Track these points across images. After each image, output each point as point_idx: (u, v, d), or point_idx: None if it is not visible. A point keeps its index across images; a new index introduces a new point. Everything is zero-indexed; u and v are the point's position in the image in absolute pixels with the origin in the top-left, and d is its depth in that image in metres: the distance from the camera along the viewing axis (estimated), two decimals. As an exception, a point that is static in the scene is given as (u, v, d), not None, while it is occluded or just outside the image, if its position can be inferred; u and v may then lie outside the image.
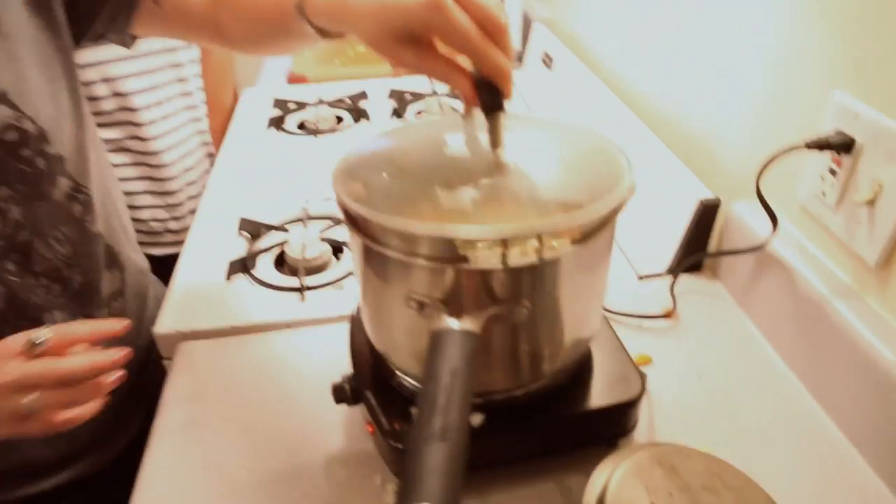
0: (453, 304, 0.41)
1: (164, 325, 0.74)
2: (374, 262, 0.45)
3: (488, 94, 0.46)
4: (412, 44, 0.48)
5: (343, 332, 0.63)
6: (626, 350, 0.57)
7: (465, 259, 0.38)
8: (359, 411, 0.62)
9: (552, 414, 0.52)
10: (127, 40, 0.71)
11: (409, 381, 0.53)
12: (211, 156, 1.25)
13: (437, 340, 0.37)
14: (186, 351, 0.72)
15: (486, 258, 0.39)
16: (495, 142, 0.47)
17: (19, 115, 0.58)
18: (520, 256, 0.39)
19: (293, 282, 0.81)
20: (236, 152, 1.16)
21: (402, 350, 0.50)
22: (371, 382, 0.56)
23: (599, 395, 0.53)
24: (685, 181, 0.79)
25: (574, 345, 0.50)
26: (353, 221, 0.45)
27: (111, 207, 0.76)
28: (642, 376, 0.54)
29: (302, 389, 0.66)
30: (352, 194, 0.45)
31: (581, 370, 0.55)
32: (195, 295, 0.79)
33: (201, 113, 1.20)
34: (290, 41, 0.65)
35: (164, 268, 0.88)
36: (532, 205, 0.43)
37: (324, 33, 0.58)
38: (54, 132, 0.62)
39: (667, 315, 0.71)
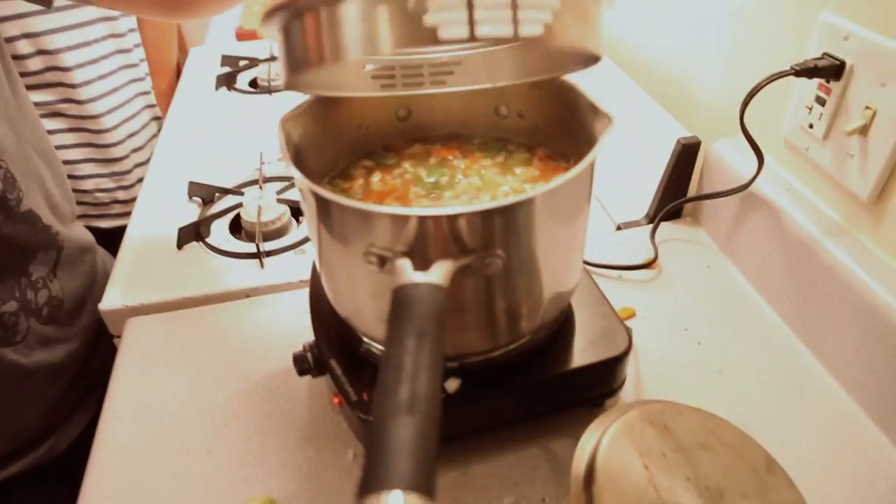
0: (418, 257, 0.36)
1: (111, 300, 0.68)
2: (328, 214, 0.40)
3: None
4: None
5: (305, 297, 0.58)
6: (609, 303, 0.53)
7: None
8: (324, 382, 0.58)
9: (533, 375, 0.48)
10: None
11: (377, 348, 0.48)
12: (157, 119, 1.17)
13: (399, 297, 0.33)
14: (136, 327, 0.66)
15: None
16: None
17: None
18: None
19: (250, 248, 0.76)
20: (185, 114, 1.08)
21: (365, 313, 0.46)
22: (335, 351, 0.51)
23: (583, 352, 0.49)
24: (661, 122, 0.75)
25: (554, 299, 0.46)
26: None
27: (40, 180, 0.69)
28: (628, 331, 0.50)
29: (263, 362, 0.61)
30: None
31: (562, 327, 0.51)
32: (144, 267, 0.73)
33: (142, 72, 1.11)
34: None
35: (114, 241, 0.82)
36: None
37: None
38: None
39: (648, 265, 0.68)
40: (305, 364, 0.52)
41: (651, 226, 0.72)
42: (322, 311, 0.54)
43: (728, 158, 0.67)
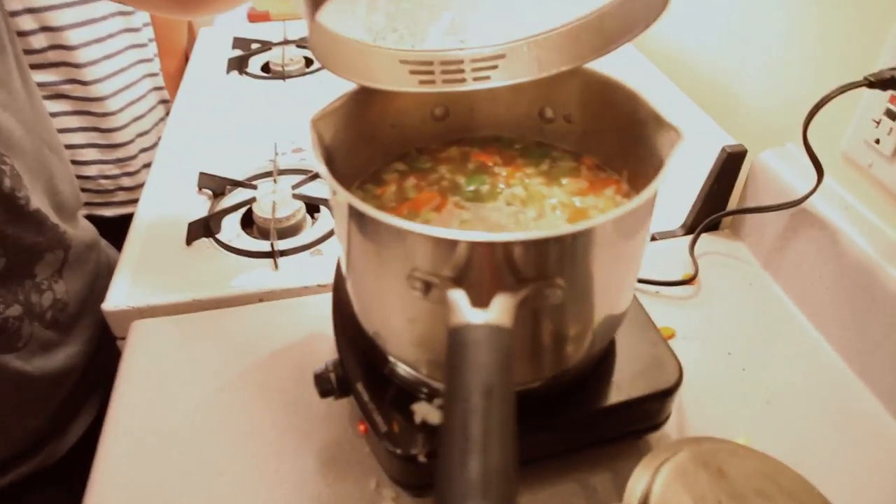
0: (471, 287, 0.32)
1: (115, 301, 0.64)
2: (369, 231, 0.36)
3: None
4: None
5: (324, 304, 0.54)
6: (656, 328, 0.49)
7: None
8: (347, 403, 0.54)
9: (574, 409, 0.44)
10: None
11: (408, 371, 0.44)
12: (165, 102, 1.12)
13: (459, 341, 0.29)
14: (141, 330, 0.62)
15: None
16: None
17: None
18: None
19: (263, 245, 0.72)
20: (194, 99, 1.03)
21: (400, 337, 0.42)
22: (362, 372, 0.47)
23: (630, 384, 0.45)
24: (704, 128, 0.70)
25: (606, 326, 0.42)
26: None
27: (49, 176, 0.65)
28: (678, 361, 0.46)
29: (280, 375, 0.57)
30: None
31: (606, 355, 0.47)
32: (151, 264, 0.69)
33: (151, 53, 1.06)
34: None
35: (118, 230, 0.78)
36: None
37: None
38: None
39: (688, 281, 0.64)
40: (328, 385, 0.48)
41: (689, 237, 0.68)
42: (346, 326, 0.50)
43: (777, 170, 0.63)
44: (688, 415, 0.52)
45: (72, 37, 0.90)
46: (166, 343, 0.61)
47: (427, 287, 0.34)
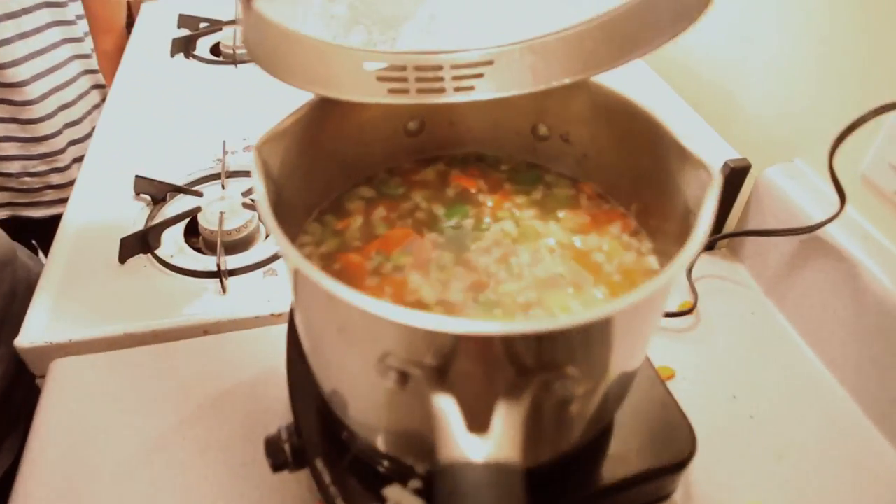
0: (463, 388, 0.25)
1: (31, 335, 0.54)
2: (332, 309, 0.28)
3: None
4: None
5: (279, 338, 0.46)
6: (663, 383, 0.43)
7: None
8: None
9: (576, 490, 0.37)
10: None
11: (364, 439, 0.37)
12: (100, 87, 1.00)
13: (452, 486, 0.21)
14: (63, 370, 0.53)
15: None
16: None
17: None
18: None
19: (209, 263, 0.63)
20: (133, 84, 0.92)
21: (371, 424, 0.34)
22: (322, 445, 0.39)
23: (636, 456, 0.39)
24: (704, 139, 0.64)
25: (618, 397, 0.36)
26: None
27: None
28: (691, 429, 0.40)
29: (225, 429, 0.49)
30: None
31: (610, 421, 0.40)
32: (76, 288, 0.60)
33: (81, 31, 0.93)
34: None
35: (48, 232, 0.68)
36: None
37: None
38: None
39: (687, 311, 0.58)
40: (281, 457, 0.40)
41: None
42: (303, 382, 0.42)
43: (785, 189, 0.57)
44: (694, 476, 0.46)
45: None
46: (92, 386, 0.52)
47: (404, 378, 0.27)
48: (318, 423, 0.41)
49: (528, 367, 0.26)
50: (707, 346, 0.56)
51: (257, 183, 0.31)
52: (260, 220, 0.69)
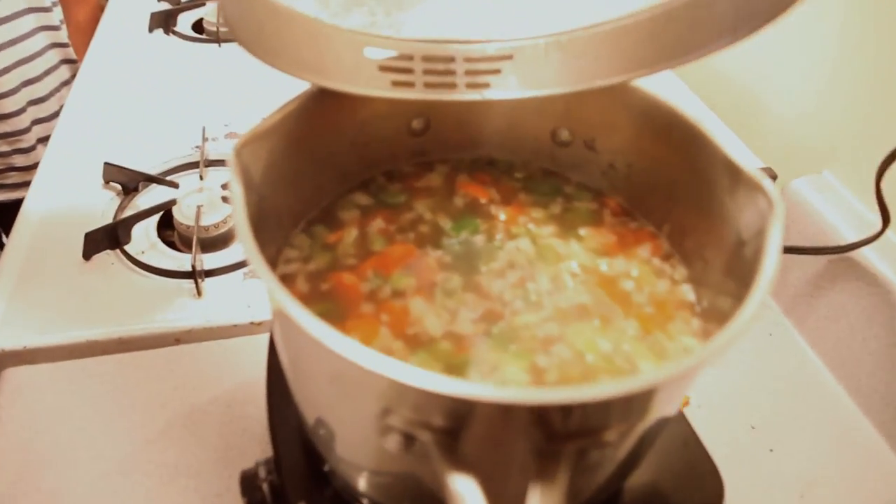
0: (480, 457, 0.21)
1: (-20, 340, 0.49)
2: (325, 361, 0.23)
3: None
4: None
5: (259, 350, 0.42)
6: (687, 422, 0.38)
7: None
8: None
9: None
10: None
11: (363, 493, 0.32)
12: (70, 62, 0.93)
13: None
14: (16, 380, 0.48)
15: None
16: None
17: None
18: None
19: (184, 261, 0.57)
20: (107, 61, 0.85)
21: (364, 470, 0.29)
22: (304, 479, 0.35)
23: (660, 501, 0.35)
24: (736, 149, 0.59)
25: (648, 448, 0.31)
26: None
27: None
28: (718, 473, 0.36)
29: (198, 453, 0.44)
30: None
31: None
32: (34, 286, 0.54)
33: (48, 0, 0.86)
34: None
35: (12, 216, 0.62)
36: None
37: None
38: None
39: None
40: (258, 495, 0.35)
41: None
42: (284, 411, 0.37)
43: (813, 203, 0.53)
44: (712, 516, 0.42)
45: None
46: (49, 399, 0.47)
47: (409, 440, 0.22)
48: (300, 454, 0.36)
49: (562, 434, 0.21)
50: (723, 370, 0.52)
51: (235, 192, 0.26)
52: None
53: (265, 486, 0.35)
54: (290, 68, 0.32)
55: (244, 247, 0.24)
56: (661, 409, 0.25)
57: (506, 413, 0.20)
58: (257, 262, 0.23)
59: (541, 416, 0.20)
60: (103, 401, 0.47)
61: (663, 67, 0.31)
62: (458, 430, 0.21)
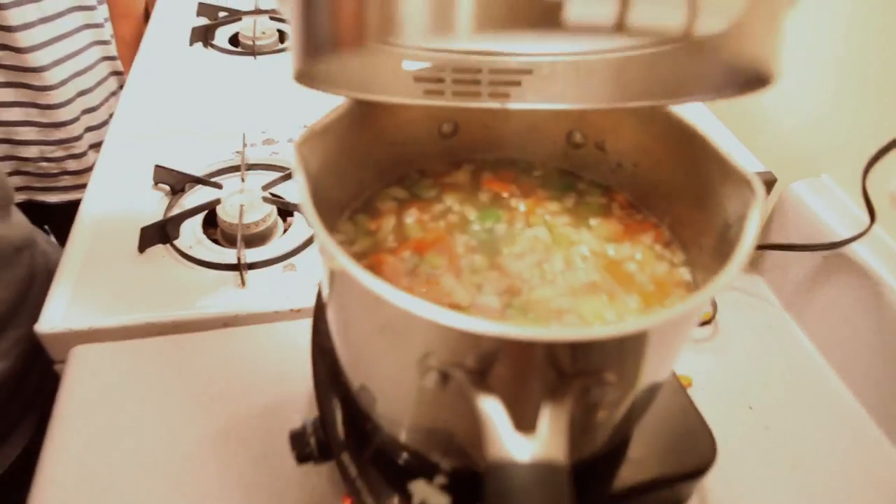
0: (506, 390, 0.25)
1: (51, 321, 0.54)
2: (374, 309, 0.28)
3: None
4: None
5: (299, 333, 0.47)
6: (686, 393, 0.43)
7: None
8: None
9: (592, 491, 0.38)
10: None
11: (403, 443, 0.37)
12: (118, 74, 1.00)
13: (501, 487, 0.22)
14: (84, 358, 0.53)
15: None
16: None
17: None
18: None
19: (228, 256, 0.63)
20: (152, 73, 0.92)
21: (400, 420, 0.34)
22: (349, 439, 0.39)
23: (658, 462, 0.39)
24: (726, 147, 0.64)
25: (645, 405, 0.36)
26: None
27: None
28: (712, 437, 0.40)
29: (246, 421, 0.49)
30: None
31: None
32: (96, 275, 0.60)
33: (101, 16, 0.93)
34: None
35: (65, 217, 0.68)
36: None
37: None
38: None
39: (705, 321, 0.58)
40: (306, 450, 0.40)
41: (704, 269, 0.62)
42: (328, 375, 0.42)
43: (811, 205, 0.57)
44: (708, 484, 0.47)
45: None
46: (112, 373, 0.52)
47: (445, 378, 0.27)
48: (343, 416, 0.41)
49: (570, 371, 0.26)
50: (724, 357, 0.56)
51: (300, 181, 0.31)
52: (279, 214, 0.69)
53: (312, 441, 0.40)
54: (341, 89, 0.37)
55: (309, 220, 0.29)
56: (654, 357, 0.30)
57: (525, 349, 0.25)
58: (322, 233, 0.28)
59: (552, 353, 0.25)
60: (160, 376, 0.52)
61: (657, 103, 0.36)
62: (486, 367, 0.26)
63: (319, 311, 0.46)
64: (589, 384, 0.27)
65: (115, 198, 0.69)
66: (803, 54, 0.61)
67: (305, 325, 0.47)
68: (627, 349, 0.27)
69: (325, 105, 0.37)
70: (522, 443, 0.23)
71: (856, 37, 0.55)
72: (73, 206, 0.67)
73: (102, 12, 0.95)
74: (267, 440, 0.48)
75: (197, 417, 0.49)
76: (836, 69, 0.58)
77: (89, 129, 0.93)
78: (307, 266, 0.62)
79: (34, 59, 0.82)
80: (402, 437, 0.35)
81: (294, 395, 0.51)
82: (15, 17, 0.79)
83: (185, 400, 0.50)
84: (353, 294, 0.29)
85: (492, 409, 0.24)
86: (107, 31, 0.96)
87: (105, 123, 0.94)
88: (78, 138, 0.91)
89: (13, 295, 0.60)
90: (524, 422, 0.24)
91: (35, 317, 0.54)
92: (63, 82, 0.87)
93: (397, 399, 0.34)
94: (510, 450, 0.23)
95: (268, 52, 0.99)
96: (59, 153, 0.89)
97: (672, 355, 0.32)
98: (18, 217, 0.65)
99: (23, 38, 0.81)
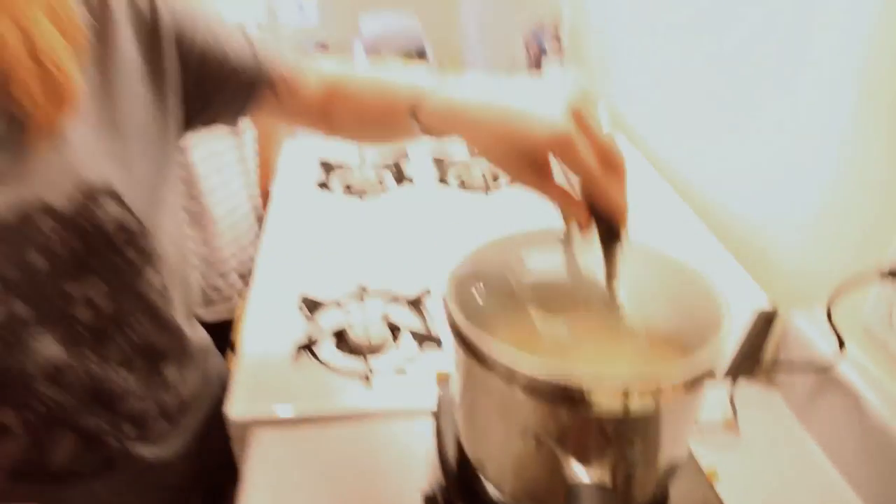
0: (575, 448, 0.44)
1: (239, 408, 0.75)
2: (488, 389, 0.47)
3: (607, 227, 0.49)
4: (532, 167, 0.51)
5: (412, 427, 0.64)
6: (713, 487, 0.58)
7: (587, 404, 0.41)
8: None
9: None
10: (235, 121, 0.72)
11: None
12: (255, 212, 1.28)
13: (575, 499, 0.40)
14: (262, 440, 0.73)
15: (608, 405, 0.41)
16: (611, 274, 0.50)
17: (126, 212, 0.57)
18: (640, 403, 0.42)
19: (356, 364, 0.83)
20: (285, 213, 1.18)
21: (511, 479, 0.52)
22: (463, 497, 0.57)
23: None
24: (739, 283, 0.81)
25: (665, 476, 0.52)
26: (468, 346, 0.46)
27: (184, 282, 0.75)
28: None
29: (384, 494, 0.67)
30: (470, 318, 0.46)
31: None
32: (261, 376, 0.81)
33: (251, 166, 1.22)
34: (395, 137, 0.68)
35: (213, 334, 0.90)
36: (648, 347, 0.47)
37: (432, 134, 0.59)
38: (153, 228, 0.60)
39: (727, 426, 0.74)
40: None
41: (727, 382, 0.78)
42: (447, 447, 0.60)
43: (806, 331, 0.73)
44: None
45: (194, 154, 1.06)
46: (282, 455, 0.71)
47: (539, 442, 0.45)
48: (461, 483, 0.58)
49: (608, 436, 0.44)
50: (745, 457, 0.71)
51: (451, 309, 0.51)
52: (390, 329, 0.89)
53: (439, 497, 0.58)
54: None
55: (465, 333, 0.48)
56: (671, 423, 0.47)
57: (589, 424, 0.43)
58: (465, 325, 0.47)
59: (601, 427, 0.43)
60: (319, 458, 0.71)
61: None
62: (562, 434, 0.44)
63: (443, 407, 0.65)
64: (625, 448, 0.45)
65: (268, 317, 0.92)
66: (810, 202, 0.79)
67: (419, 423, 0.64)
68: (648, 421, 0.44)
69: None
70: (581, 470, 0.41)
71: (844, 192, 0.73)
72: (221, 324, 0.88)
73: (253, 162, 1.23)
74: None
75: (347, 487, 0.67)
76: (827, 218, 0.75)
77: (232, 254, 1.19)
78: (413, 370, 0.82)
79: (205, 203, 1.10)
80: (507, 490, 0.53)
81: (417, 469, 0.68)
82: (202, 171, 1.07)
83: (339, 467, 0.69)
84: (469, 373, 0.48)
85: (576, 466, 0.42)
86: (253, 177, 1.24)
87: (245, 248, 1.21)
88: (225, 261, 1.17)
89: (200, 390, 0.80)
90: (584, 461, 0.42)
91: (205, 409, 0.74)
92: (221, 218, 1.14)
93: (504, 460, 0.51)
94: (576, 474, 0.41)
95: (371, 195, 1.24)
96: (215, 278, 1.16)
97: (689, 423, 0.49)
98: (196, 324, 0.84)
99: (204, 187, 1.09)
